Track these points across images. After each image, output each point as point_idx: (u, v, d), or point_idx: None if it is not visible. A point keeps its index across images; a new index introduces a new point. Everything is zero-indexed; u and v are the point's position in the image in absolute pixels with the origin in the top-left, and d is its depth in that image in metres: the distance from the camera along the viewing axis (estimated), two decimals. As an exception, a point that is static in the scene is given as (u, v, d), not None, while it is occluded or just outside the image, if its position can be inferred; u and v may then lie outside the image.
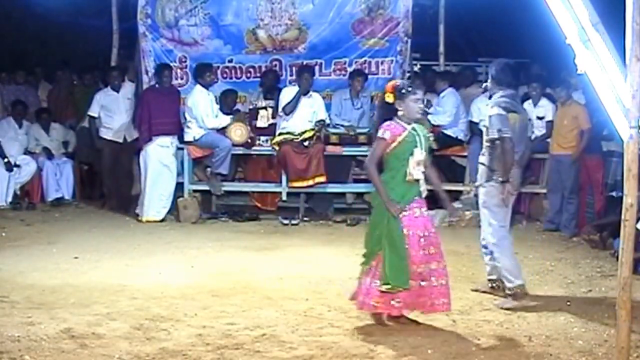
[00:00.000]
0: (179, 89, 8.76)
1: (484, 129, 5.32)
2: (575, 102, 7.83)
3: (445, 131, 8.44)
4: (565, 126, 7.77)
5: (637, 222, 3.89)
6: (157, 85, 8.54)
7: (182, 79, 8.97)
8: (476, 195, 8.39)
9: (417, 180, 4.61)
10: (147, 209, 8.20)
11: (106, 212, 8.81)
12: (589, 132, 7.67)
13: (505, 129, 5.05)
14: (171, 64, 8.79)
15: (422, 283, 4.53)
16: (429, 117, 8.14)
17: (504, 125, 5.06)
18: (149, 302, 5.08)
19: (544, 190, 8.33)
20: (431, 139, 4.80)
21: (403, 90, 4.56)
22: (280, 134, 8.24)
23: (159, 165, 8.24)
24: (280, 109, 8.27)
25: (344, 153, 8.41)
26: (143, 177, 8.31)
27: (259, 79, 8.95)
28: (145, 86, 8.89)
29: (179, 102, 8.48)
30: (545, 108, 8.29)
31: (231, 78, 9.02)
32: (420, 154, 4.57)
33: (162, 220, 8.20)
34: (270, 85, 8.71)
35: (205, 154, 8.37)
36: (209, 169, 8.39)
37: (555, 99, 8.38)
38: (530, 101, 8.33)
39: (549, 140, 8.25)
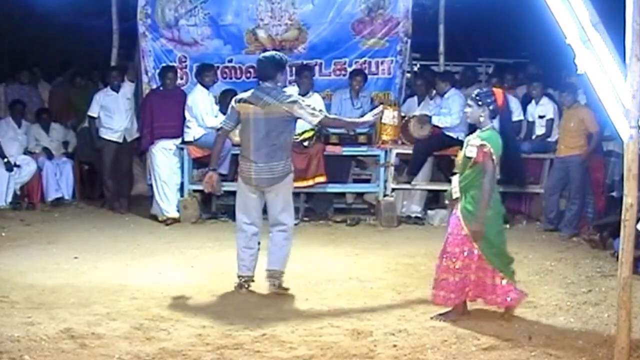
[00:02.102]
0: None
1: None
2: (582, 105, 7.83)
3: (445, 131, 8.44)
4: (572, 129, 7.77)
5: (637, 222, 3.89)
6: (160, 88, 8.53)
7: (182, 79, 8.96)
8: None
9: None
10: (165, 207, 8.20)
11: (106, 212, 8.80)
12: (598, 134, 7.68)
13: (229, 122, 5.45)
14: (172, 65, 8.78)
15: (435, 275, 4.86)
16: (433, 118, 8.17)
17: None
18: (149, 302, 5.08)
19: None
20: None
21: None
22: (280, 133, 8.23)
23: (167, 165, 8.26)
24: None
25: (344, 153, 8.41)
26: (154, 178, 8.30)
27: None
28: (145, 86, 8.90)
29: (184, 104, 8.39)
30: (545, 107, 8.30)
31: (231, 78, 9.01)
32: None
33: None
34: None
35: (205, 154, 8.35)
36: (203, 170, 8.39)
37: (555, 98, 8.41)
38: (533, 102, 8.36)
39: (549, 139, 8.26)
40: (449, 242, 4.75)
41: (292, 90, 8.29)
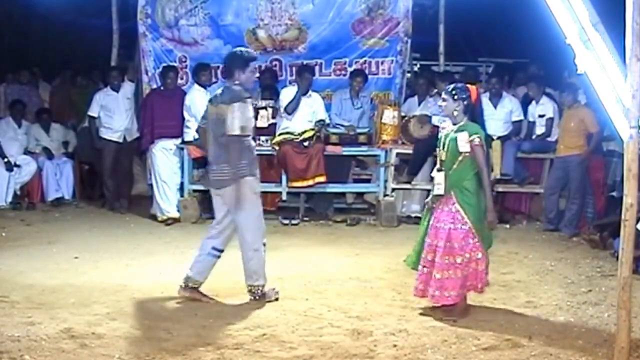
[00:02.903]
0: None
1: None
2: (582, 105, 7.83)
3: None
4: (572, 129, 7.77)
5: (637, 222, 3.89)
6: (161, 88, 8.52)
7: (182, 79, 8.95)
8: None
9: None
10: (165, 207, 8.20)
11: (106, 212, 8.81)
12: (598, 134, 7.69)
13: (204, 120, 5.30)
14: (173, 65, 8.77)
15: (425, 270, 4.89)
16: (433, 118, 8.17)
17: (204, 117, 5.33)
18: (149, 302, 5.08)
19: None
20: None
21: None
22: (281, 134, 8.24)
23: (167, 165, 8.26)
24: (282, 109, 8.27)
25: (344, 153, 8.41)
26: (154, 178, 8.30)
27: (258, 79, 8.94)
28: (145, 86, 8.89)
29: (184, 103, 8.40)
30: (545, 106, 8.30)
31: (231, 78, 9.00)
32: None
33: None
34: (268, 85, 8.70)
35: (205, 154, 8.34)
36: (204, 170, 8.38)
37: (555, 97, 8.41)
38: (533, 102, 8.36)
39: (549, 138, 8.26)
40: (454, 237, 4.75)
41: (292, 91, 8.33)
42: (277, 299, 5.20)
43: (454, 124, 4.91)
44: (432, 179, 5.07)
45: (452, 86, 5.01)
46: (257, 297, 5.16)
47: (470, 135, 4.77)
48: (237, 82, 5.05)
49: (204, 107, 8.02)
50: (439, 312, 4.84)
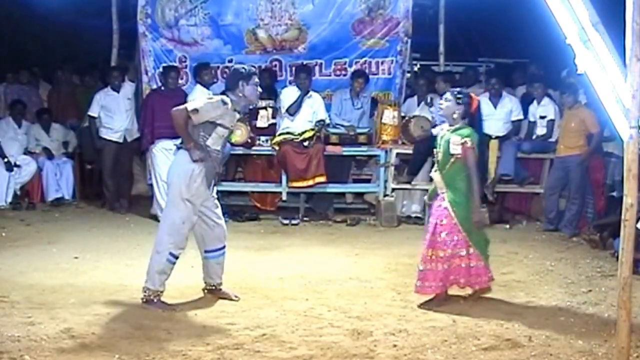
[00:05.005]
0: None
1: None
2: (583, 106, 7.83)
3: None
4: (572, 129, 7.78)
5: (637, 222, 3.89)
6: (162, 88, 8.51)
7: (182, 79, 8.95)
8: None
9: None
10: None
11: (106, 212, 8.81)
12: (598, 135, 7.69)
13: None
14: (174, 65, 8.76)
15: (420, 267, 5.08)
16: (433, 130, 8.17)
17: None
18: (149, 302, 5.07)
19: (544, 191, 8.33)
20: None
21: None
22: (281, 134, 8.24)
23: (168, 165, 8.23)
24: (284, 110, 8.27)
25: (344, 153, 8.41)
26: (154, 178, 8.28)
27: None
28: (145, 86, 8.89)
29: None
30: (547, 107, 8.30)
31: (231, 78, 8.99)
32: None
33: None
34: (267, 85, 8.70)
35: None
36: None
37: (554, 98, 8.41)
38: (535, 102, 8.36)
39: (550, 139, 8.26)
40: (439, 231, 4.99)
41: (292, 91, 8.32)
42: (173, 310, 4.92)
43: (450, 126, 5.10)
44: (431, 179, 5.30)
45: (458, 90, 5.22)
46: (142, 299, 4.97)
47: (462, 138, 4.97)
48: (239, 94, 5.07)
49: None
50: (429, 303, 5.06)
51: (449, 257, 4.99)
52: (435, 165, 5.17)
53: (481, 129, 5.29)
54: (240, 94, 5.07)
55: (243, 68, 5.22)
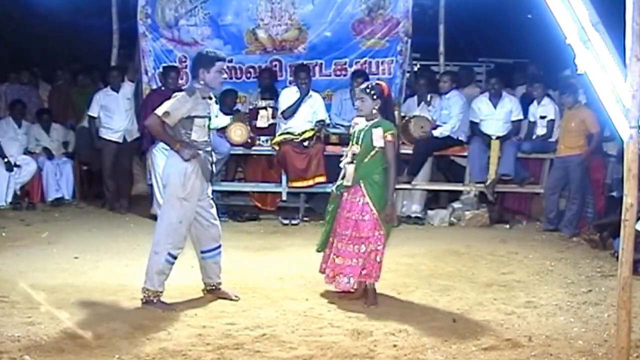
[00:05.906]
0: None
1: None
2: (583, 106, 7.83)
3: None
4: (573, 129, 7.78)
5: (637, 222, 3.89)
6: (162, 88, 8.51)
7: (182, 79, 8.95)
8: (476, 195, 8.51)
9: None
10: None
11: (106, 212, 8.81)
12: (599, 135, 7.69)
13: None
14: (174, 65, 8.76)
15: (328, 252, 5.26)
16: (434, 132, 8.18)
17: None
18: (149, 302, 5.07)
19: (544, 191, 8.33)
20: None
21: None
22: (281, 134, 8.24)
23: None
24: (280, 112, 8.27)
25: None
26: (154, 178, 8.25)
27: (257, 79, 8.94)
28: (145, 86, 8.89)
29: None
30: (547, 107, 8.30)
31: (231, 78, 8.98)
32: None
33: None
34: (267, 85, 8.70)
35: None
36: None
37: (554, 98, 8.41)
38: (535, 102, 8.36)
39: (550, 139, 8.26)
40: (361, 227, 5.06)
41: (291, 92, 8.32)
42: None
43: (368, 121, 5.17)
44: (342, 169, 5.35)
45: (367, 85, 5.27)
46: (142, 300, 4.98)
47: (384, 132, 5.07)
48: (201, 82, 4.93)
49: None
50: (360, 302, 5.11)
51: (368, 252, 5.08)
52: (349, 158, 5.23)
53: (392, 114, 5.33)
54: (202, 82, 4.93)
55: (206, 51, 5.10)
